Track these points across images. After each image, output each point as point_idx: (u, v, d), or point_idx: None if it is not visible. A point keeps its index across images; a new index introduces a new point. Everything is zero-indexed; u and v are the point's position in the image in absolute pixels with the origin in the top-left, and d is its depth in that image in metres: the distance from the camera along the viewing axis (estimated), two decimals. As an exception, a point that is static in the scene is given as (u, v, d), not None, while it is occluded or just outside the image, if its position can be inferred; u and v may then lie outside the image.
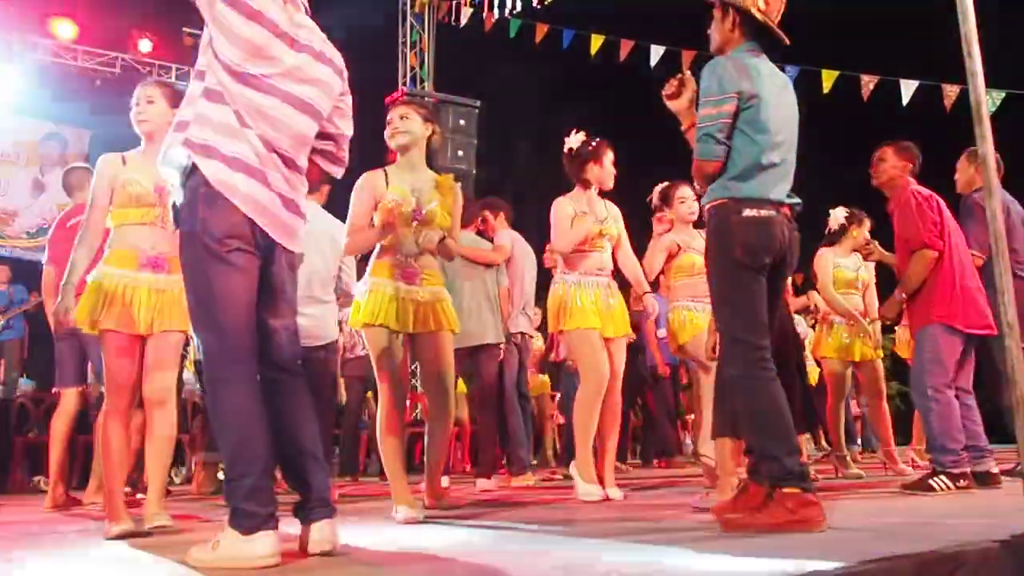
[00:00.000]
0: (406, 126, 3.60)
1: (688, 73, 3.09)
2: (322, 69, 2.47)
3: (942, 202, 4.27)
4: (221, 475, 5.73)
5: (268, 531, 2.19)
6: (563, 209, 4.30)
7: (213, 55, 2.35)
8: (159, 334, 3.22)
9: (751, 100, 2.81)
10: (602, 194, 4.42)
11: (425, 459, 3.72)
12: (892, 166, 4.35)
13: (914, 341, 4.29)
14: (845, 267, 5.55)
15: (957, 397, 4.10)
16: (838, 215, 5.58)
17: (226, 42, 2.32)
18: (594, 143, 4.35)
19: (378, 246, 3.56)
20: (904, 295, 4.20)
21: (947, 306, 4.09)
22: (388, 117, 3.64)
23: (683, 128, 3.06)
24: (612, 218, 4.39)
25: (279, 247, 2.40)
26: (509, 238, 5.89)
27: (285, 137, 2.39)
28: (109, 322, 3.14)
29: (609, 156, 4.36)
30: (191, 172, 2.30)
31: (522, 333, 5.96)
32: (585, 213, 4.28)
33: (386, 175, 3.58)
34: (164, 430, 3.27)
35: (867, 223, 5.59)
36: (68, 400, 4.93)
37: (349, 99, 2.62)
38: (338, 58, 2.56)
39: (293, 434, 2.38)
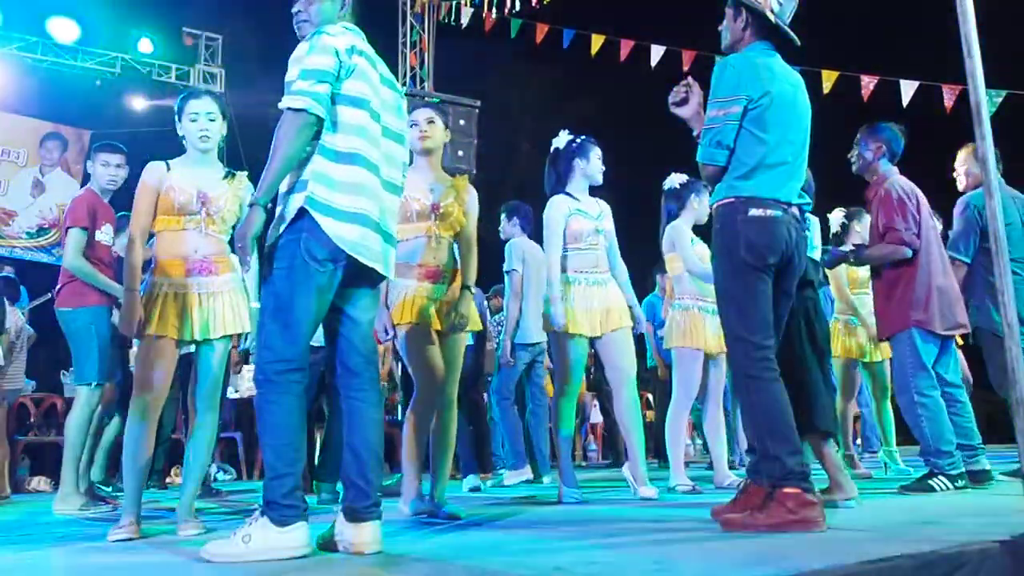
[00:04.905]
0: (432, 131, 3.67)
1: (691, 78, 3.09)
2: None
3: (923, 198, 4.24)
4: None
5: (302, 523, 2.36)
6: (558, 210, 4.20)
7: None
8: (210, 340, 3.25)
9: (761, 99, 2.80)
10: (593, 192, 4.38)
11: (431, 465, 3.70)
12: (867, 149, 4.32)
13: (889, 344, 4.31)
14: (857, 266, 5.54)
15: (946, 395, 4.11)
16: (837, 216, 5.60)
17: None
18: (579, 140, 4.33)
19: (400, 247, 3.60)
20: (853, 253, 4.27)
21: (922, 310, 4.06)
22: (412, 117, 3.66)
23: (695, 134, 3.03)
24: (604, 216, 4.34)
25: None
26: (512, 249, 5.83)
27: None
28: (162, 328, 3.15)
29: (596, 152, 4.32)
30: (302, 214, 2.45)
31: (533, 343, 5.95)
32: (580, 211, 4.22)
33: None
34: (209, 435, 3.30)
35: (867, 217, 5.61)
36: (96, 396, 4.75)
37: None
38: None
39: (366, 430, 2.53)
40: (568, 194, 4.27)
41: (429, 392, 3.51)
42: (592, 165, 4.30)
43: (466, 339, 3.69)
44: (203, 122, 3.33)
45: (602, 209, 4.37)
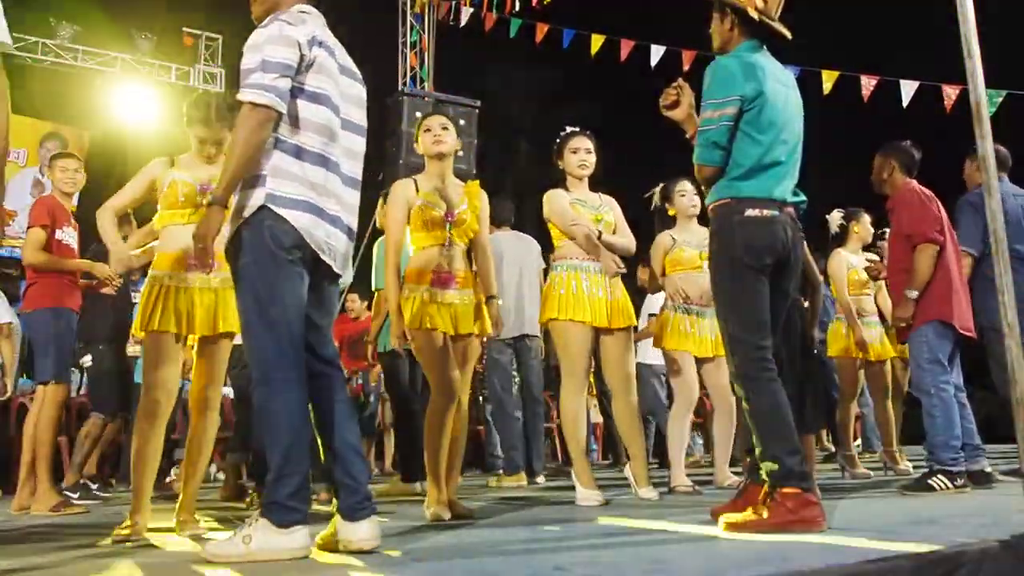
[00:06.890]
0: (446, 136, 3.68)
1: (681, 80, 3.09)
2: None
3: (939, 205, 4.30)
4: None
5: (303, 525, 2.34)
6: (559, 196, 4.20)
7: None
8: (213, 337, 3.24)
9: (755, 100, 2.80)
10: (594, 187, 4.32)
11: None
12: (879, 166, 4.42)
13: (908, 343, 4.30)
14: (859, 267, 5.55)
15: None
16: (835, 218, 5.61)
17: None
18: (558, 139, 4.30)
19: (413, 252, 3.63)
20: (916, 292, 4.13)
21: (945, 304, 4.10)
22: (427, 124, 3.70)
23: (688, 135, 3.04)
24: (607, 207, 4.26)
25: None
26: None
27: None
28: (164, 323, 3.14)
29: (572, 144, 4.23)
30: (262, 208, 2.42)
31: (523, 335, 5.92)
32: (579, 200, 4.19)
33: (416, 183, 3.65)
34: (209, 434, 3.29)
35: (865, 217, 5.62)
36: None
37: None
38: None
39: (340, 429, 2.50)
40: (566, 189, 4.26)
41: (445, 395, 3.48)
42: (567, 162, 4.23)
43: (478, 345, 3.66)
44: (209, 147, 3.34)
45: (604, 202, 4.28)
